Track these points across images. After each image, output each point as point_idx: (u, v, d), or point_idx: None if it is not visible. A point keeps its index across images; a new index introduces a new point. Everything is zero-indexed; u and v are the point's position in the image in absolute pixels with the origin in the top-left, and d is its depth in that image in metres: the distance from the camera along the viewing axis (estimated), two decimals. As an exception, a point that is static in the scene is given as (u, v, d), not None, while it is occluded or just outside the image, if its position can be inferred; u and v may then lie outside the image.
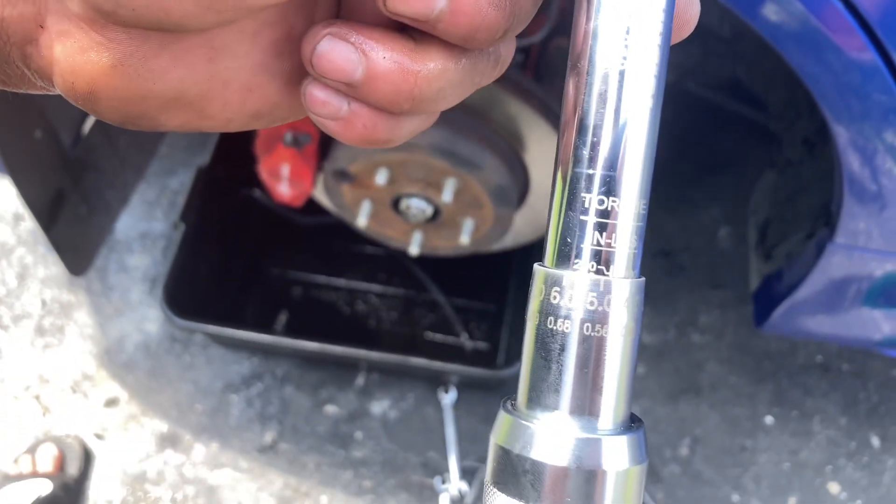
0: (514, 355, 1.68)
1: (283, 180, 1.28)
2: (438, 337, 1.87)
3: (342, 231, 1.68)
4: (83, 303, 1.87)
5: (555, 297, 0.27)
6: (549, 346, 0.27)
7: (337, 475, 1.70)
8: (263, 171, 1.30)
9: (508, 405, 0.29)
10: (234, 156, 1.73)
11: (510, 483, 0.26)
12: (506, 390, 1.81)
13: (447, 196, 1.21)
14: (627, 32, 0.26)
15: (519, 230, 1.43)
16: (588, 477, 0.25)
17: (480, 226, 1.30)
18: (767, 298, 1.19)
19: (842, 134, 0.86)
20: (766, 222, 1.30)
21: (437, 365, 1.66)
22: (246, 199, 1.85)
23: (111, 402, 1.74)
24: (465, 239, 1.29)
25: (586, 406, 0.27)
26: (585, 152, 0.27)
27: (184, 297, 1.62)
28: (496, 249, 1.52)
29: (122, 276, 1.91)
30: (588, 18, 0.27)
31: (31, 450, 1.62)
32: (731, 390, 1.84)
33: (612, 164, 0.27)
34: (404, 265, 1.88)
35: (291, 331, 1.85)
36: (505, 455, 0.27)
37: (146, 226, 1.99)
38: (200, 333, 1.77)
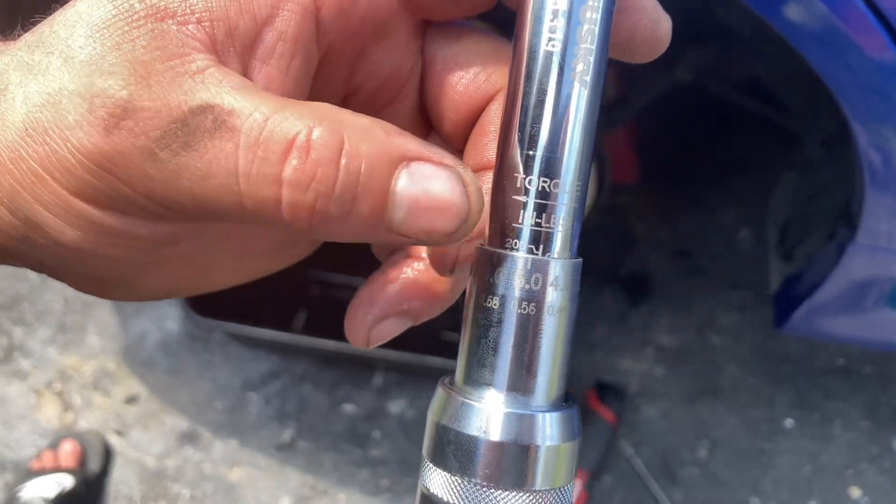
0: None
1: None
2: (456, 337, 1.87)
3: (360, 230, 1.68)
4: (104, 301, 1.89)
5: (491, 276, 0.27)
6: (483, 323, 0.28)
7: (354, 474, 1.71)
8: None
9: (446, 381, 0.30)
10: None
11: (444, 457, 0.26)
12: (523, 391, 1.81)
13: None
14: (556, 16, 0.27)
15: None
16: (519, 452, 0.25)
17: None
18: (788, 299, 1.18)
19: (863, 134, 0.85)
20: (787, 223, 1.29)
21: (455, 364, 1.66)
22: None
23: (131, 399, 1.76)
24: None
25: (519, 383, 0.27)
26: (523, 135, 0.27)
27: (204, 295, 1.63)
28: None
29: (143, 275, 1.92)
30: (525, 2, 0.27)
31: (54, 445, 1.64)
32: (751, 392, 1.82)
33: (551, 147, 0.27)
34: (422, 265, 1.88)
35: (310, 330, 1.86)
36: (439, 430, 0.27)
37: (167, 225, 2.00)
38: (220, 332, 1.78)
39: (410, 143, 0.26)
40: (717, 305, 1.95)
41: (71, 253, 0.27)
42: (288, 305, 1.89)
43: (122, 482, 1.67)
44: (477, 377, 0.28)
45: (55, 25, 0.27)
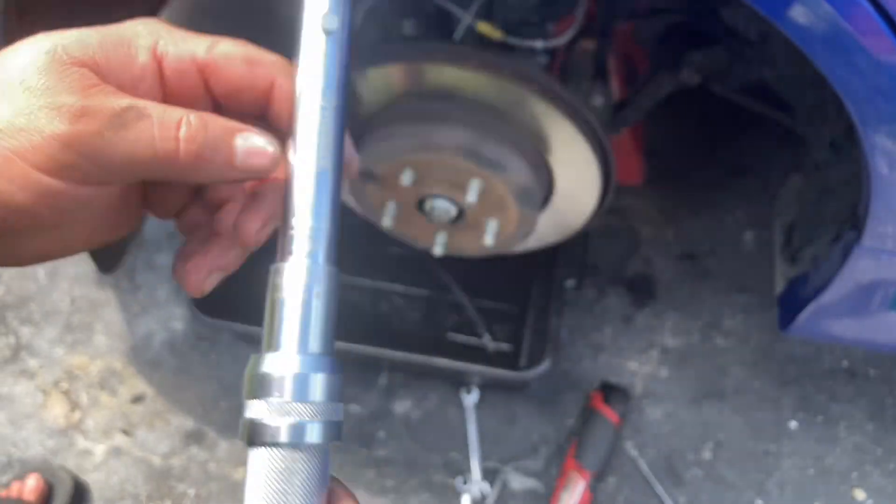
0: (537, 357, 1.69)
1: (310, 180, 1.29)
2: (461, 338, 1.88)
3: (367, 232, 1.69)
4: (111, 300, 1.90)
5: (275, 276, 0.45)
6: (270, 308, 0.44)
7: (359, 474, 1.71)
8: (290, 172, 1.31)
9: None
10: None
11: (254, 392, 0.43)
12: (528, 391, 1.82)
13: (472, 197, 1.22)
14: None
15: (542, 232, 1.43)
16: (279, 382, 0.42)
17: (505, 227, 1.31)
18: (792, 302, 1.18)
19: (870, 137, 0.85)
20: (792, 225, 1.29)
21: (460, 365, 1.67)
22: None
23: (138, 399, 1.77)
24: (489, 240, 1.30)
25: (290, 345, 0.43)
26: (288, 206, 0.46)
27: (210, 295, 1.64)
28: (519, 251, 1.52)
29: (149, 275, 1.93)
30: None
31: (20, 476, 1.62)
32: (755, 394, 1.83)
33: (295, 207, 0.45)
34: (428, 266, 1.89)
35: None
36: (251, 376, 0.43)
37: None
38: (226, 331, 1.79)
39: (239, 123, 0.45)
40: (722, 308, 1.95)
41: (9, 213, 0.41)
42: (294, 306, 1.90)
43: (127, 481, 1.68)
44: (269, 344, 0.44)
45: (5, 71, 0.41)
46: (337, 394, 0.44)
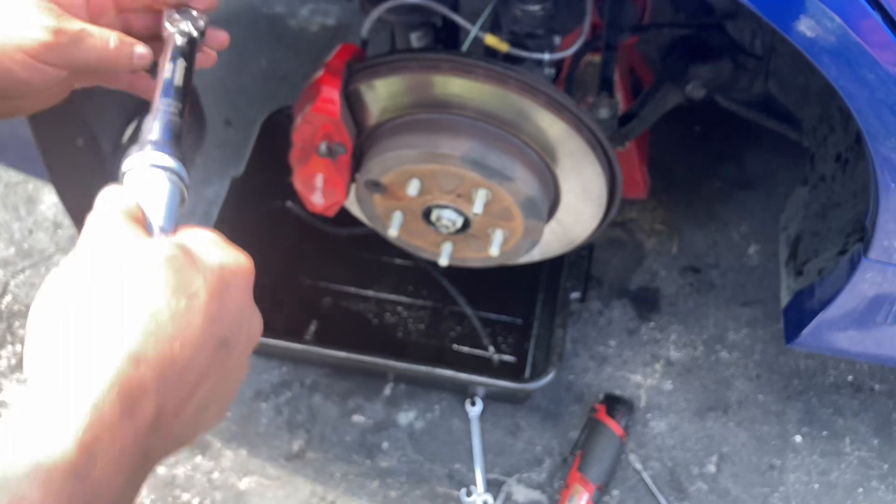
0: (541, 368, 1.69)
1: (317, 190, 1.30)
2: (465, 349, 1.88)
3: (373, 242, 1.70)
4: (117, 309, 1.90)
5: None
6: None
7: (363, 484, 1.71)
8: (297, 182, 1.32)
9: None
10: (268, 166, 1.76)
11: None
12: (532, 403, 1.82)
13: (478, 207, 1.22)
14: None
15: (547, 243, 1.44)
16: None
17: (510, 237, 1.31)
18: (798, 315, 1.18)
19: (878, 149, 0.86)
20: (798, 238, 1.29)
21: (464, 376, 1.67)
22: (279, 209, 1.88)
23: (143, 407, 1.77)
24: (494, 250, 1.30)
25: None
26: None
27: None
28: (524, 262, 1.53)
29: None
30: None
31: None
32: (760, 408, 1.82)
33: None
34: (432, 277, 1.90)
35: (321, 340, 1.87)
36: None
37: (180, 234, 2.01)
38: (231, 341, 1.79)
39: (133, 39, 0.73)
40: (726, 321, 1.95)
41: (14, 82, 0.67)
42: (300, 316, 1.90)
43: (131, 490, 1.67)
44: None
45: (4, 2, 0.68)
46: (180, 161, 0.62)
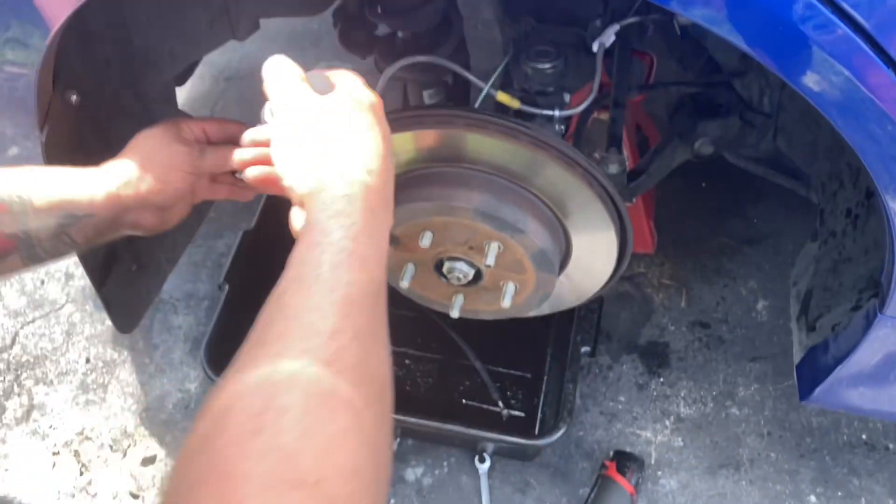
0: (551, 424, 1.67)
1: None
2: (474, 403, 1.86)
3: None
4: (127, 361, 1.90)
5: None
6: None
7: (370, 542, 1.68)
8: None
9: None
10: (278, 220, 1.77)
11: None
12: (542, 459, 1.79)
13: (490, 259, 1.23)
14: None
15: (558, 296, 1.44)
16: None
17: (522, 290, 1.31)
18: (812, 371, 1.17)
19: (891, 203, 0.86)
20: (809, 293, 1.29)
21: (474, 432, 1.65)
22: (288, 261, 1.89)
23: (148, 461, 1.75)
24: (506, 303, 1.30)
25: None
26: None
27: (225, 356, 1.63)
28: (534, 315, 1.52)
29: (165, 336, 1.94)
30: None
31: None
32: (773, 466, 1.80)
33: None
34: (441, 329, 1.89)
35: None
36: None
37: (191, 286, 2.03)
38: (239, 393, 1.78)
39: (231, 148, 1.08)
40: (736, 377, 1.94)
41: (175, 192, 1.02)
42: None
43: (134, 546, 1.65)
44: None
45: (153, 138, 1.04)
46: None
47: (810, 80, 0.79)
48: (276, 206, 1.83)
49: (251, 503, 0.49)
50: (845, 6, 0.73)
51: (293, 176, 0.80)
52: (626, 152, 1.66)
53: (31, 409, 1.83)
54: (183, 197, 1.02)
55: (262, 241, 1.82)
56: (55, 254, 0.93)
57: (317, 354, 0.59)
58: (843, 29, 0.74)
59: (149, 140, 1.00)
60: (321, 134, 0.80)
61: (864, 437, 1.82)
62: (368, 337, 0.65)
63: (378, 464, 0.58)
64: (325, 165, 0.78)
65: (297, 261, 0.70)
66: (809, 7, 0.73)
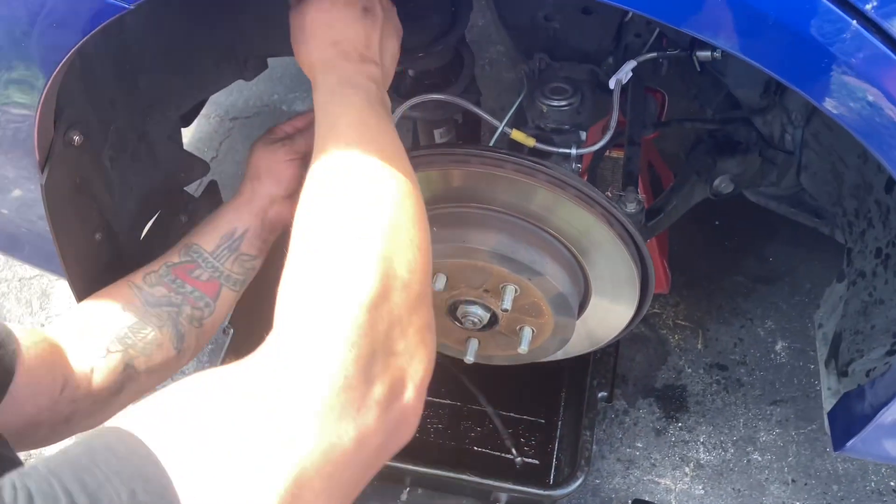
0: (567, 472, 1.60)
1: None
2: (487, 451, 1.80)
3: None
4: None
5: None
6: None
7: None
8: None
9: None
10: (282, 265, 1.73)
11: None
12: (558, 510, 1.72)
13: (506, 303, 1.18)
14: None
15: (575, 341, 1.39)
16: None
17: (539, 334, 1.26)
18: (847, 420, 1.12)
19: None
20: (838, 337, 1.24)
21: (487, 482, 1.58)
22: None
23: None
24: (523, 348, 1.25)
25: None
26: None
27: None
28: (548, 360, 1.47)
29: (168, 381, 1.88)
30: None
31: None
32: (798, 516, 1.73)
33: None
34: (452, 374, 1.83)
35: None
36: None
37: (193, 330, 1.97)
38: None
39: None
40: (756, 421, 1.88)
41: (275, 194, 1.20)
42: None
43: None
44: None
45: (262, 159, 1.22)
46: None
47: (839, 103, 0.75)
48: (280, 251, 1.79)
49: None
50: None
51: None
52: (640, 191, 1.63)
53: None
54: (299, 179, 1.15)
55: (268, 286, 1.78)
56: (243, 272, 1.16)
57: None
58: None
59: (253, 152, 1.20)
60: None
61: (893, 484, 1.76)
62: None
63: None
64: None
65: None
66: (856, 39, 0.69)
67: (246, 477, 0.54)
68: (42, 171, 0.99)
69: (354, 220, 0.72)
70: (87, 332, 1.02)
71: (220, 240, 1.13)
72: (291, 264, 0.72)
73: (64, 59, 0.83)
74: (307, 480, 0.56)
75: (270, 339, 0.65)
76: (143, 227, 1.31)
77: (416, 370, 0.68)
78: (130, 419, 0.57)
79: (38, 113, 0.89)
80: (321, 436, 0.58)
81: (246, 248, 1.15)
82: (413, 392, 0.68)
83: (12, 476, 0.49)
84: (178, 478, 0.53)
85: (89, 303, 1.07)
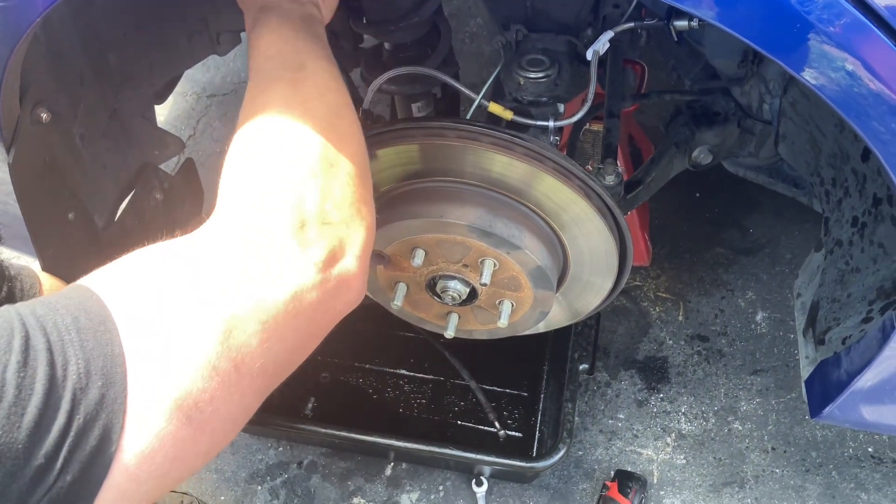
0: (550, 445, 1.61)
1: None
2: (470, 424, 1.80)
3: (372, 314, 1.64)
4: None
5: None
6: None
7: (364, 572, 1.62)
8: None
9: None
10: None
11: None
12: (541, 481, 1.73)
13: (485, 277, 1.18)
14: None
15: (554, 314, 1.39)
16: None
17: (518, 308, 1.26)
18: (823, 387, 1.13)
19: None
20: (815, 305, 1.24)
21: (470, 456, 1.59)
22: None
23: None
24: (503, 322, 1.25)
25: None
26: None
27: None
28: (529, 333, 1.47)
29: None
30: None
31: None
32: (778, 483, 1.75)
33: None
34: (435, 349, 1.84)
35: (319, 417, 1.80)
36: None
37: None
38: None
39: None
40: (737, 390, 1.89)
41: None
42: (297, 391, 1.83)
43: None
44: None
45: None
46: None
47: (822, 75, 0.74)
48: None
49: None
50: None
51: None
52: (620, 163, 1.62)
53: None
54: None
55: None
56: None
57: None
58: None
59: None
60: None
61: (870, 450, 1.78)
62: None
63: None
64: None
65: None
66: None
67: (181, 312, 0.62)
68: (8, 150, 0.97)
69: (283, 114, 0.79)
70: None
71: None
72: (229, 154, 0.78)
73: (25, 33, 0.81)
74: (239, 322, 0.64)
75: (212, 215, 0.73)
76: (118, 206, 1.30)
77: (353, 240, 0.76)
78: (86, 279, 0.65)
79: (0, 89, 0.87)
80: (252, 287, 0.66)
81: None
82: (353, 260, 0.76)
83: None
84: (116, 310, 0.61)
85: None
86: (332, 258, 0.73)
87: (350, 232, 0.76)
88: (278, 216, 0.70)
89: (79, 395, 0.56)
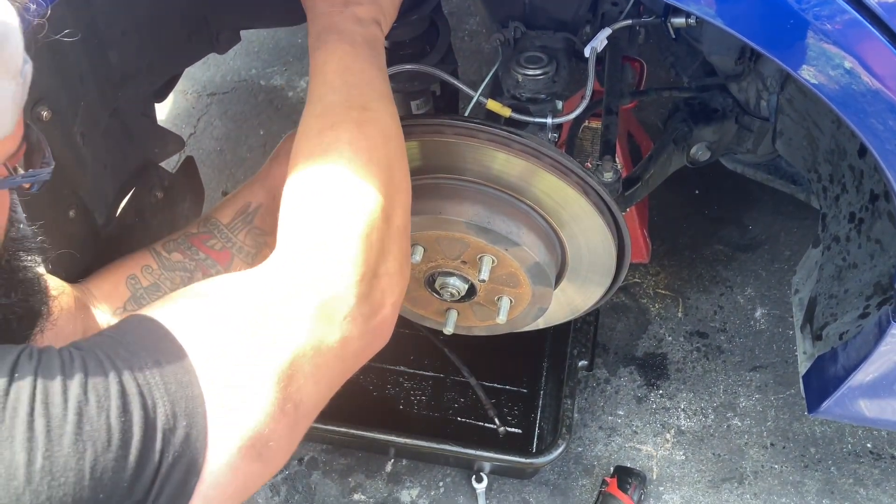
0: (549, 441, 1.62)
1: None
2: (470, 421, 1.81)
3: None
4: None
5: None
6: None
7: (365, 568, 1.62)
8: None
9: None
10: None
11: None
12: (540, 477, 1.74)
13: (483, 274, 1.18)
14: None
15: (553, 310, 1.39)
16: None
17: (517, 304, 1.27)
18: (820, 382, 1.13)
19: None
20: (813, 301, 1.25)
21: (470, 452, 1.60)
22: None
23: None
24: (501, 318, 1.26)
25: None
26: None
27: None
28: (528, 330, 1.48)
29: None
30: None
31: None
32: (777, 479, 1.75)
33: None
34: (434, 346, 1.84)
35: (319, 413, 1.80)
36: None
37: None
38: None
39: None
40: (736, 387, 1.90)
41: None
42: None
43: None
44: None
45: None
46: None
47: (819, 73, 0.75)
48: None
49: None
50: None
51: None
52: (619, 160, 1.63)
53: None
54: None
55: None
56: (255, 245, 1.17)
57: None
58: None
59: (285, 137, 1.17)
60: None
61: (869, 445, 1.79)
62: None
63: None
64: None
65: None
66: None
67: (251, 354, 0.68)
68: (8, 148, 0.97)
69: (351, 159, 0.82)
70: (107, 291, 1.10)
71: (235, 213, 1.18)
72: (293, 189, 0.82)
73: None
74: (300, 365, 0.70)
75: (278, 252, 0.78)
76: (119, 204, 1.30)
77: (393, 292, 0.82)
78: (156, 312, 0.69)
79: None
80: (314, 333, 0.72)
81: (259, 222, 1.18)
82: (389, 309, 0.82)
83: (61, 346, 0.63)
84: (192, 352, 0.66)
85: (113, 265, 1.15)
86: (374, 310, 0.79)
87: (393, 284, 0.82)
88: (342, 267, 0.76)
89: (168, 436, 0.62)
